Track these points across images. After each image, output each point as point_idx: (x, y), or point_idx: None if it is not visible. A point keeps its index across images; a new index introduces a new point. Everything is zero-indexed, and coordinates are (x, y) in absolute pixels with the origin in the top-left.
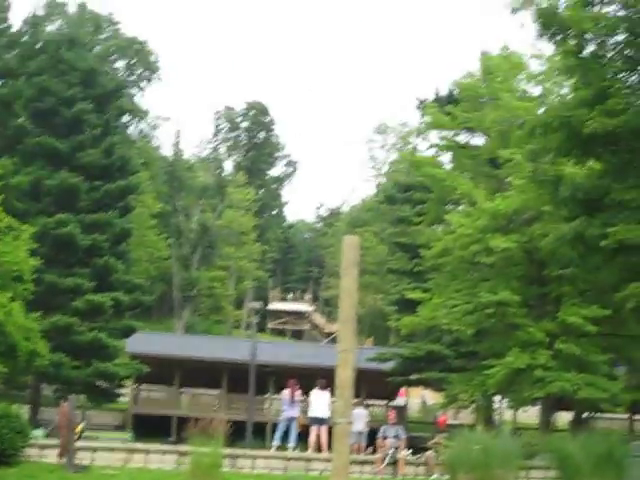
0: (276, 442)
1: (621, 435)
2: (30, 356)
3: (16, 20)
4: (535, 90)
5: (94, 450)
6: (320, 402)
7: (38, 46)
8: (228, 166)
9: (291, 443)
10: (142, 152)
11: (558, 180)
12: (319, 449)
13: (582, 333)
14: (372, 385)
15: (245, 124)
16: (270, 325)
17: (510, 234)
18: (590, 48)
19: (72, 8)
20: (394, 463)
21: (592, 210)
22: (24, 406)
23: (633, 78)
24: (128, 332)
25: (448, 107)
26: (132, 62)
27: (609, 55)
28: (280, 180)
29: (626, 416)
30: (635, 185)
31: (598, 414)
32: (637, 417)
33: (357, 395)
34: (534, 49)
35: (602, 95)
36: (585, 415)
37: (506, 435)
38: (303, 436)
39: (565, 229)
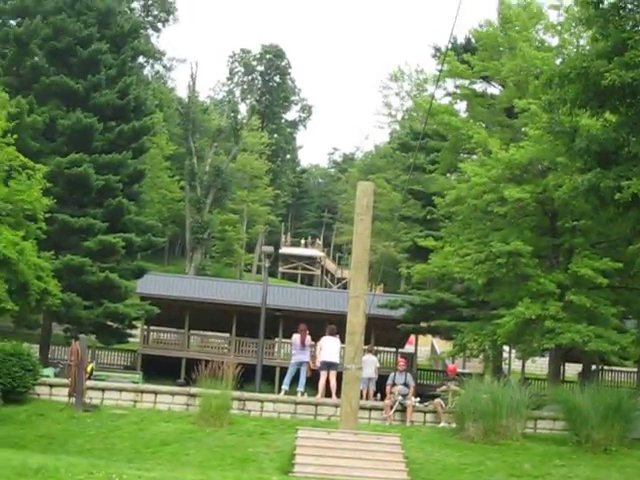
0: (285, 386)
1: (629, 388)
2: (41, 295)
3: None
4: (553, 41)
5: (103, 390)
6: (330, 347)
7: None
8: (243, 109)
9: (300, 388)
10: (157, 93)
11: (574, 131)
12: (328, 394)
13: (593, 285)
14: (382, 332)
15: (261, 67)
16: (281, 269)
17: (524, 184)
18: None
19: None
20: (402, 410)
21: (607, 163)
22: (34, 345)
23: None
24: (139, 273)
25: (465, 55)
26: (149, 3)
27: (629, 7)
28: (294, 124)
29: (634, 369)
30: None
31: (607, 367)
32: None
33: (367, 341)
34: None
35: (620, 47)
36: (594, 367)
37: (514, 385)
38: (312, 381)
39: (579, 181)
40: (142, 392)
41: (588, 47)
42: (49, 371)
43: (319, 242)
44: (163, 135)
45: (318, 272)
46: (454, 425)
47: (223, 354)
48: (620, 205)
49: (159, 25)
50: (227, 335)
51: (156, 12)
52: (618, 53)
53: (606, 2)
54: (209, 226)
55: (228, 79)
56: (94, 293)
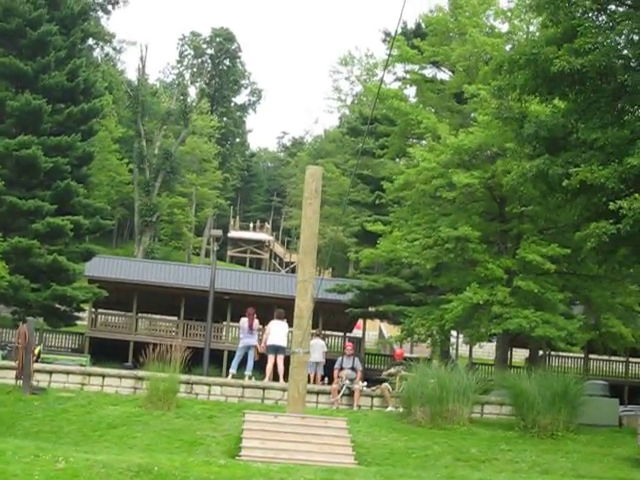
0: (233, 370)
1: (576, 374)
2: None
3: None
4: (503, 27)
5: (50, 373)
6: (278, 331)
7: None
8: (192, 92)
9: (248, 371)
10: (106, 76)
11: (523, 117)
12: (276, 378)
13: (541, 271)
14: (330, 316)
15: (210, 51)
16: (230, 253)
17: (473, 170)
18: None
19: None
20: (350, 394)
21: (555, 149)
22: None
23: (602, 18)
24: (87, 256)
25: (415, 41)
26: None
27: None
28: (244, 108)
29: (581, 355)
30: (599, 125)
31: (554, 352)
32: (592, 356)
33: (315, 325)
34: None
35: (570, 34)
36: (541, 353)
37: (462, 370)
38: (260, 365)
39: (528, 167)
40: (89, 375)
41: (538, 34)
42: None
43: (268, 226)
44: (112, 118)
45: (267, 256)
46: (401, 409)
47: (171, 337)
48: (568, 191)
49: (109, 7)
50: (175, 318)
51: None
52: (568, 40)
53: None
54: (158, 209)
55: (178, 62)
56: (42, 276)
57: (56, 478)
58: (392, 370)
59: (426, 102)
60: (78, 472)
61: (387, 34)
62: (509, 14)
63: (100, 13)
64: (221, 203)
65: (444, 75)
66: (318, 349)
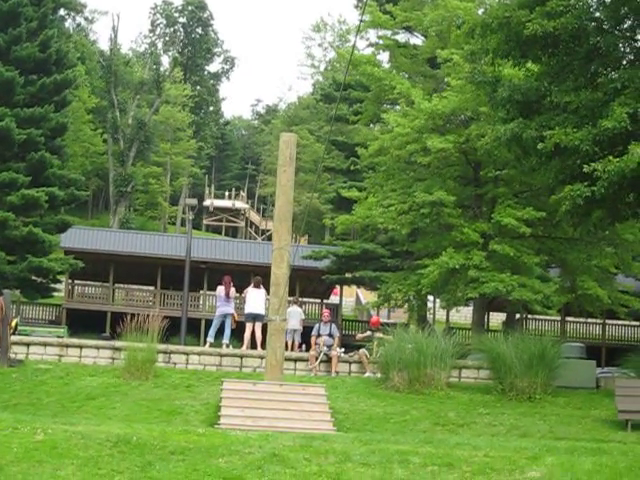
0: (210, 338)
1: (553, 337)
2: None
3: None
4: None
5: (28, 345)
6: (255, 299)
7: None
8: (165, 61)
9: (225, 340)
10: (79, 46)
11: (496, 81)
12: (253, 346)
13: (516, 235)
14: (307, 283)
15: (183, 19)
16: (205, 222)
17: (447, 134)
18: None
19: None
20: (327, 361)
21: (529, 112)
22: None
23: None
24: (63, 227)
25: (387, 6)
26: None
27: None
28: (217, 76)
29: (558, 318)
30: (572, 88)
31: (530, 315)
32: (569, 319)
33: (292, 293)
34: None
35: None
36: (518, 316)
37: (439, 335)
38: (237, 333)
39: (502, 131)
40: (67, 346)
41: None
42: None
43: (243, 194)
44: (85, 88)
45: (242, 224)
46: (379, 375)
47: (148, 307)
48: (542, 155)
49: None
50: (152, 288)
51: None
52: (540, 3)
53: None
54: (132, 179)
55: (150, 31)
56: (18, 248)
57: (34, 450)
58: (367, 334)
59: (399, 67)
60: (57, 444)
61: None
62: None
63: None
64: (196, 172)
65: (417, 40)
66: (295, 316)
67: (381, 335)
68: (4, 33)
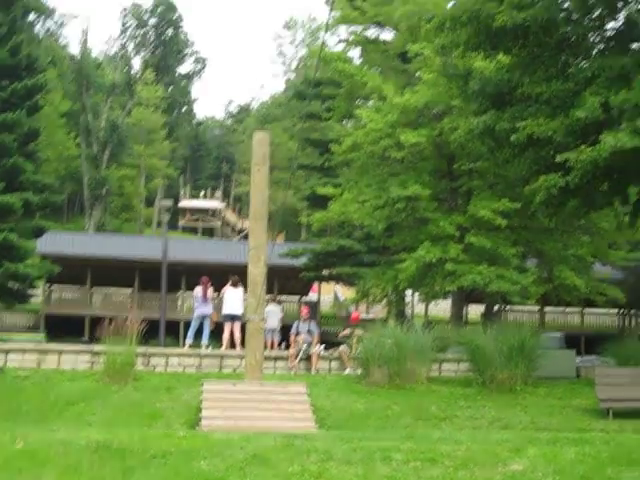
0: (189, 340)
1: (531, 327)
2: None
3: None
4: None
5: (6, 352)
6: (233, 299)
7: None
8: (136, 64)
9: (204, 340)
10: (49, 50)
11: (467, 74)
12: (232, 346)
13: (492, 226)
14: (285, 281)
15: (153, 21)
16: (181, 223)
17: (420, 128)
18: None
19: None
20: (307, 358)
21: (501, 104)
22: None
23: None
24: (39, 232)
25: (357, 1)
26: None
27: None
28: (189, 77)
29: (536, 308)
30: (544, 79)
31: (509, 306)
32: (547, 309)
33: (270, 291)
34: None
35: None
36: (496, 308)
37: (418, 329)
38: (216, 333)
39: (475, 123)
40: (46, 352)
41: None
42: None
43: (218, 193)
44: (57, 92)
45: (219, 224)
46: (359, 371)
47: (126, 310)
48: (516, 146)
49: None
50: (130, 291)
51: None
52: None
53: None
54: (107, 182)
55: (121, 33)
56: None
57: (14, 458)
58: (347, 331)
59: (371, 63)
60: (37, 451)
61: None
62: None
63: None
64: (170, 173)
65: (388, 35)
66: (274, 315)
67: (360, 332)
68: None
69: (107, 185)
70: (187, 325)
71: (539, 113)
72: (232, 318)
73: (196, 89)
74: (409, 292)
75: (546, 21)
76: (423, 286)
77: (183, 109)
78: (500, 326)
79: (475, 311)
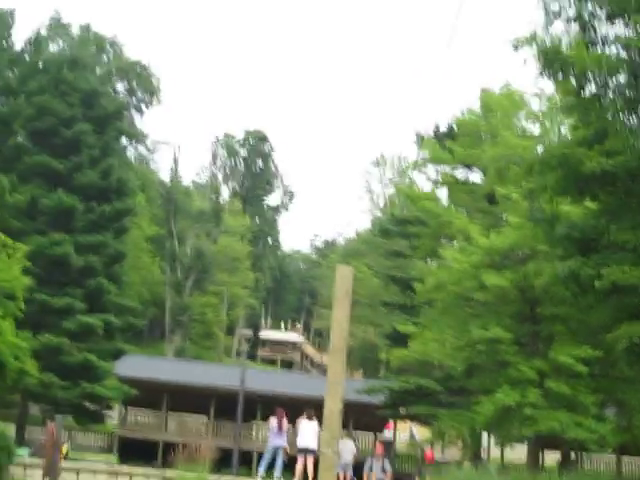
0: (261, 471)
1: (608, 476)
2: (19, 375)
3: (19, 39)
4: (534, 128)
5: (77, 472)
6: (307, 432)
7: (40, 66)
8: (225, 192)
9: (277, 472)
10: (139, 175)
11: (554, 219)
12: (305, 479)
13: (573, 373)
14: (360, 417)
15: (244, 152)
16: (260, 353)
17: (504, 271)
18: (591, 88)
19: (75, 29)
20: None
21: (587, 250)
22: (11, 424)
23: (633, 119)
24: (118, 354)
25: (447, 142)
26: (133, 85)
27: (609, 95)
28: (277, 209)
29: (614, 456)
30: (630, 226)
31: (586, 453)
32: (625, 459)
33: (345, 426)
34: (535, 87)
35: (601, 135)
36: (573, 455)
37: (493, 473)
38: (289, 466)
39: (559, 268)
40: (116, 474)
41: (569, 135)
42: (24, 450)
43: (299, 326)
44: (145, 217)
45: (298, 356)
46: None
47: (201, 437)
48: (600, 293)
49: (142, 106)
50: (205, 418)
51: (140, 94)
52: (599, 141)
53: (587, 90)
54: (189, 309)
55: (211, 162)
56: (72, 374)
57: None
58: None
59: (458, 203)
60: None
61: (420, 136)
62: (540, 116)
63: (134, 112)
64: (253, 303)
65: (475, 176)
66: (348, 450)
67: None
68: (66, 160)
69: (189, 311)
70: (260, 455)
71: (624, 261)
72: (306, 451)
73: (283, 220)
74: (485, 435)
75: (635, 169)
76: (500, 429)
77: (269, 240)
78: (576, 474)
79: (552, 458)
